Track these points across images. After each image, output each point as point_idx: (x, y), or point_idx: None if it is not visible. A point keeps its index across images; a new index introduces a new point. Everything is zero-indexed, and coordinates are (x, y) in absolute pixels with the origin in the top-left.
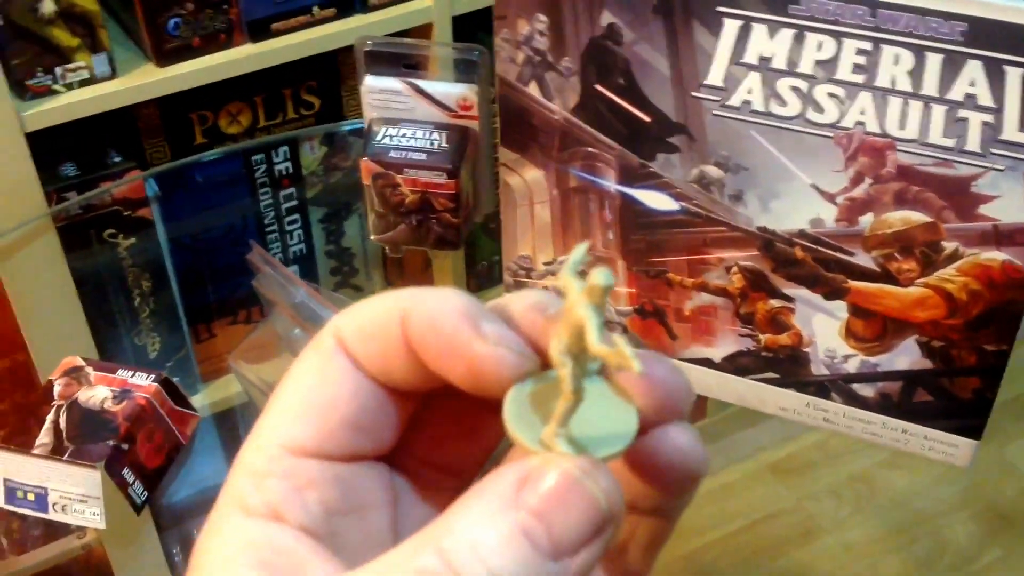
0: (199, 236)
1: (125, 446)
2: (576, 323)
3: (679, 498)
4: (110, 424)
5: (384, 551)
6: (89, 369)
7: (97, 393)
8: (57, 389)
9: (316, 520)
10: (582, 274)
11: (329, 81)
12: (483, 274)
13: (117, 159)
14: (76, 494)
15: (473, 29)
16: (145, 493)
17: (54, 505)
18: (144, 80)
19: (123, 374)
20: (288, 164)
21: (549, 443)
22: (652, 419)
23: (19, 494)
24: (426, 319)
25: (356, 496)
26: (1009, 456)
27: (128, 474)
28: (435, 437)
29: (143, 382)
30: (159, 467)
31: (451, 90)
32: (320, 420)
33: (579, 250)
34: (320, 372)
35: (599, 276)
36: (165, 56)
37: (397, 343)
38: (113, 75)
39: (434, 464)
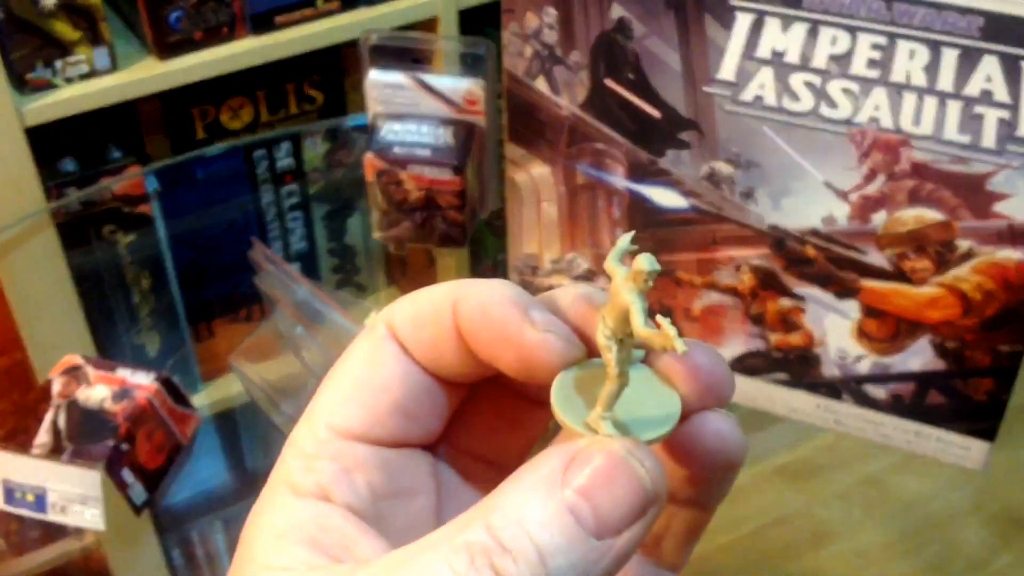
0: (200, 233)
1: (125, 446)
2: (621, 308)
3: (717, 487)
4: (110, 424)
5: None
6: (89, 368)
7: (96, 392)
8: (56, 388)
9: (363, 502)
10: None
11: (332, 76)
12: (488, 273)
13: (117, 154)
14: (75, 495)
15: (480, 23)
16: (145, 494)
17: (53, 506)
18: (145, 74)
19: (123, 373)
20: (290, 160)
21: (595, 426)
22: (694, 405)
23: (18, 495)
24: (477, 307)
25: (402, 481)
26: (1022, 459)
27: (128, 475)
28: (480, 428)
29: (143, 381)
30: (159, 468)
31: (457, 85)
32: (369, 405)
33: (625, 239)
34: (371, 359)
35: (644, 261)
36: (167, 50)
37: (448, 331)
38: (114, 69)
39: (478, 455)
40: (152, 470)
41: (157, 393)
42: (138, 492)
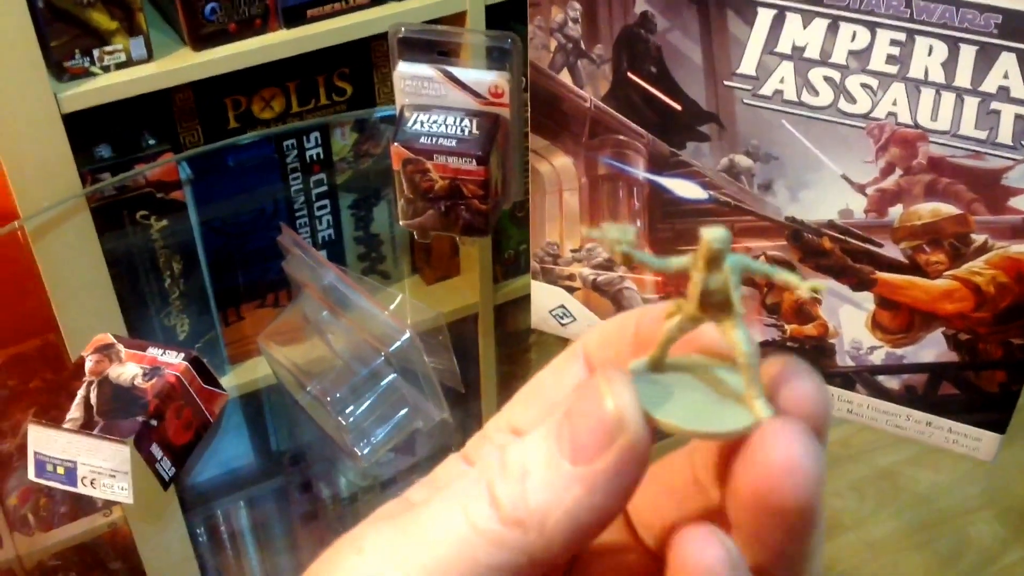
0: (230, 220)
1: (154, 422)
2: (719, 287)
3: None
4: (140, 400)
5: None
6: (120, 346)
7: (127, 370)
8: (88, 365)
9: None
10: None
11: (362, 68)
12: (510, 262)
13: (151, 142)
14: (105, 468)
15: (506, 17)
16: (173, 469)
17: (83, 479)
18: (180, 64)
19: (153, 352)
20: (319, 150)
21: (758, 411)
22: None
23: (49, 467)
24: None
25: None
26: None
27: (156, 450)
28: None
29: (173, 360)
30: (187, 444)
31: (483, 77)
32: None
33: (626, 230)
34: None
35: (709, 235)
36: (201, 41)
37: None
38: (149, 58)
39: None
40: (180, 446)
41: (186, 372)
42: (166, 467)
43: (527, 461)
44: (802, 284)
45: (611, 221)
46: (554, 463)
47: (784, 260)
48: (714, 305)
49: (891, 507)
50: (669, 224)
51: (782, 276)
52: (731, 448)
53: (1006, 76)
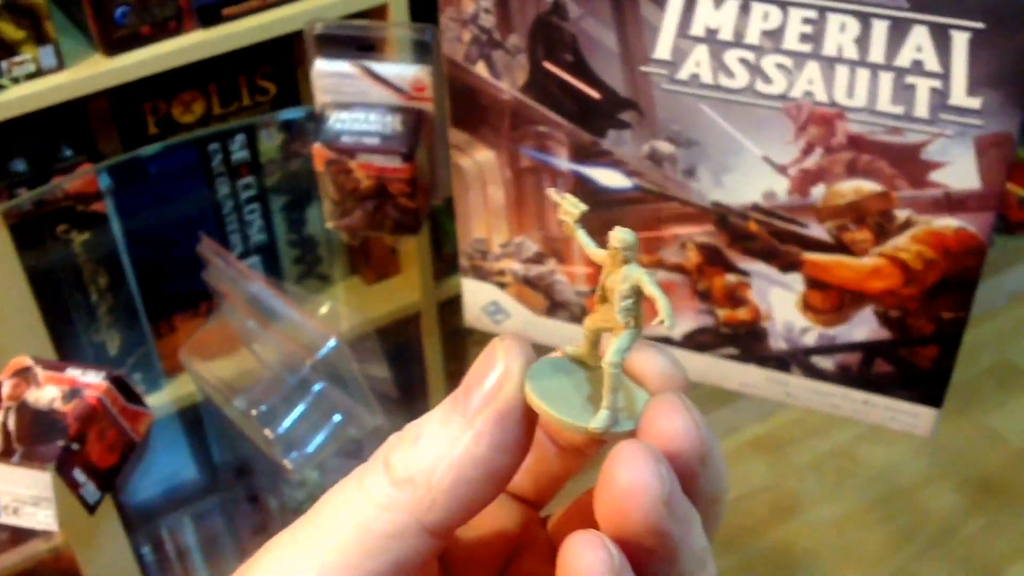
0: (156, 229)
1: (76, 446)
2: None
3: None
4: (59, 424)
5: None
6: (38, 369)
7: (46, 393)
8: (5, 391)
9: None
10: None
11: (285, 66)
12: (450, 259)
13: (68, 153)
14: (28, 496)
15: (431, 10)
16: (99, 493)
17: (5, 508)
18: (93, 71)
19: (72, 372)
20: (246, 152)
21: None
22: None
23: None
24: None
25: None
26: (992, 423)
27: (80, 474)
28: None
29: (93, 380)
30: (112, 467)
31: (404, 72)
32: None
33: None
34: None
35: (616, 234)
36: (114, 46)
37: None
38: (61, 67)
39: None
40: (105, 469)
41: (107, 392)
42: (91, 491)
43: (422, 425)
44: (667, 319)
45: (537, 214)
46: (446, 421)
47: (712, 246)
48: (611, 304)
49: (850, 484)
50: (596, 214)
51: (660, 305)
52: None
53: (919, 50)
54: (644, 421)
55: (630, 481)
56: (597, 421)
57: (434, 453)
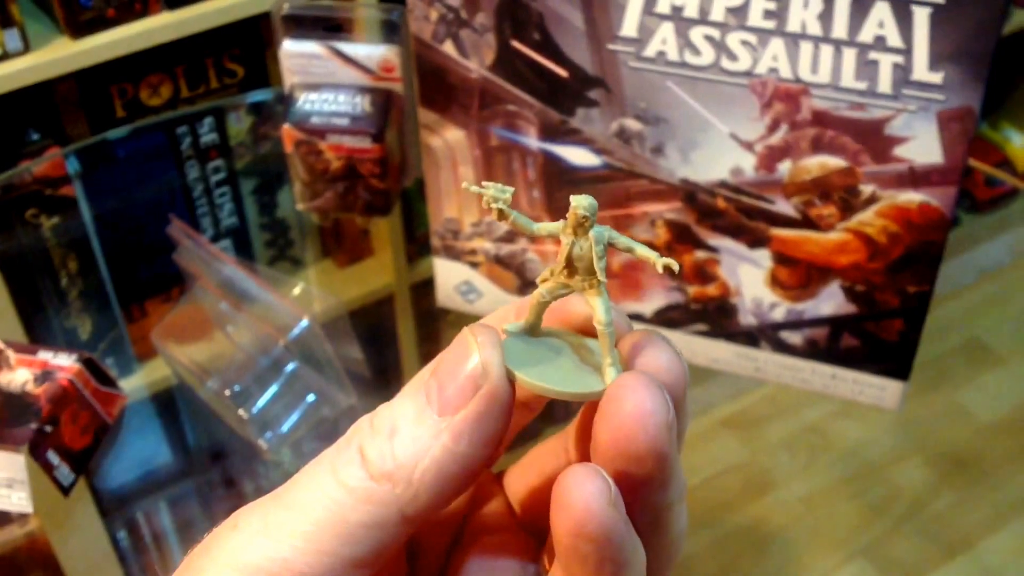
0: (125, 213)
1: (48, 428)
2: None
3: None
4: (32, 407)
5: None
6: (9, 352)
7: (18, 376)
8: None
9: None
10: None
11: (253, 47)
12: (422, 240)
13: (35, 137)
14: (2, 479)
15: None
16: (72, 475)
17: None
18: (59, 54)
19: (44, 355)
20: (215, 135)
21: (607, 376)
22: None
23: None
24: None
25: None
26: (962, 400)
27: (53, 456)
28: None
29: (65, 363)
30: (85, 448)
31: (372, 52)
32: None
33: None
34: None
35: (577, 201)
36: (79, 28)
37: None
38: (26, 50)
39: None
40: (78, 451)
41: (79, 374)
42: (64, 473)
43: (396, 418)
44: (658, 260)
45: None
46: (422, 416)
47: (681, 223)
48: (579, 272)
49: (822, 461)
50: (565, 192)
51: (642, 252)
52: (593, 413)
53: (881, 25)
54: (638, 360)
55: (638, 408)
56: (613, 376)
57: (414, 451)
